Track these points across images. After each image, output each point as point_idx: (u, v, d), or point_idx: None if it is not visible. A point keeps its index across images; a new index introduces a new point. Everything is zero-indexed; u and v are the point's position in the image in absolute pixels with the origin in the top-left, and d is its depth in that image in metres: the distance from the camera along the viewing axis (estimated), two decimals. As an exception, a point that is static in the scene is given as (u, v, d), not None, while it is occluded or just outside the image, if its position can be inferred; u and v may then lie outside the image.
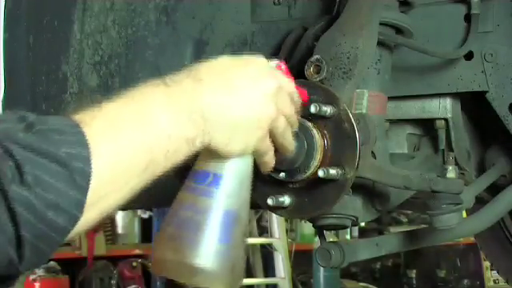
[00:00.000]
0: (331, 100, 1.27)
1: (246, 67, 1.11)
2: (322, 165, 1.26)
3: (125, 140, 0.96)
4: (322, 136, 1.27)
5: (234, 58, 1.13)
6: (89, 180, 0.90)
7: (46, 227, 0.87)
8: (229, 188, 1.09)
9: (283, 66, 1.18)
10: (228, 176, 1.10)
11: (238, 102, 1.07)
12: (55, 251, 0.92)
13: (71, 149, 0.89)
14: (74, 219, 0.89)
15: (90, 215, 0.92)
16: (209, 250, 1.06)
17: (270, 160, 1.16)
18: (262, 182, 1.32)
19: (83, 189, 0.89)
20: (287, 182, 1.29)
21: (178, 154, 1.02)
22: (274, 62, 1.18)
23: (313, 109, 1.23)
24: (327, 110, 1.25)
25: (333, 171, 1.24)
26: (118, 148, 0.95)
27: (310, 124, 1.26)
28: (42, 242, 0.88)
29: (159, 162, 0.99)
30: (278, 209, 1.33)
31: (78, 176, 0.89)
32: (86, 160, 0.90)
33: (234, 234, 1.09)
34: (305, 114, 1.26)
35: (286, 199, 1.30)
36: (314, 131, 1.26)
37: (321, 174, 1.23)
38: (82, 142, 0.90)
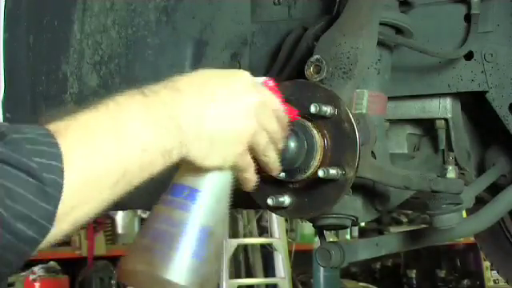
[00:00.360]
0: (331, 100, 1.27)
1: (227, 80, 1.10)
2: (321, 165, 1.26)
3: (98, 151, 0.94)
4: (322, 136, 1.27)
5: (215, 71, 1.12)
6: (60, 191, 0.89)
7: (14, 238, 0.86)
8: (205, 203, 1.08)
9: (270, 83, 1.17)
10: (205, 191, 1.09)
11: (216, 115, 1.06)
12: (26, 261, 0.91)
13: (43, 159, 0.88)
14: (45, 230, 0.88)
15: (62, 226, 0.91)
16: (181, 265, 1.05)
17: (250, 177, 1.15)
18: (262, 182, 1.32)
19: (55, 200, 0.88)
20: (287, 181, 1.29)
21: (153, 166, 1.00)
22: (261, 78, 1.17)
23: (313, 109, 1.23)
24: (327, 110, 1.25)
25: (333, 171, 1.24)
26: (92, 159, 0.93)
27: (309, 124, 1.26)
28: (10, 253, 0.87)
29: (133, 173, 0.98)
30: (278, 209, 1.33)
31: (50, 187, 0.88)
32: (59, 171, 0.89)
33: (208, 249, 1.08)
34: (305, 114, 1.26)
35: (286, 199, 1.30)
36: (314, 131, 1.26)
37: (321, 174, 1.23)
38: (55, 153, 0.89)
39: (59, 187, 0.88)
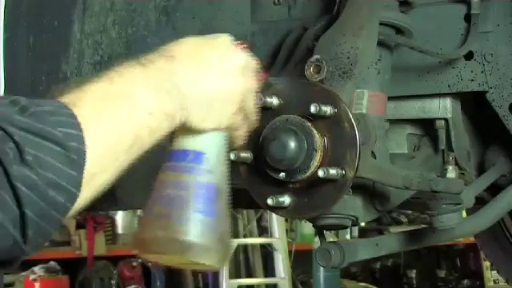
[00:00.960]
0: (331, 100, 1.27)
1: (213, 44, 1.15)
2: (321, 165, 1.26)
3: (111, 119, 0.98)
4: (322, 136, 1.27)
5: (201, 38, 1.17)
6: (84, 159, 0.92)
7: (48, 206, 0.88)
8: (209, 163, 1.13)
9: (244, 45, 1.21)
10: (208, 152, 1.13)
11: (210, 78, 1.11)
12: (57, 230, 0.93)
13: (65, 128, 0.91)
14: (74, 197, 0.91)
15: (86, 194, 0.94)
16: (198, 224, 1.09)
17: (241, 135, 1.20)
18: (262, 182, 1.33)
19: (80, 167, 0.91)
20: (287, 181, 1.29)
21: (159, 130, 1.04)
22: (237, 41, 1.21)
23: (313, 109, 1.23)
24: (327, 110, 1.24)
25: (333, 171, 1.24)
26: (107, 127, 0.97)
27: (309, 124, 1.26)
28: (45, 221, 0.89)
29: (144, 138, 1.02)
30: (277, 209, 1.33)
31: (75, 155, 0.91)
32: (81, 139, 0.92)
33: (218, 207, 1.13)
34: (305, 114, 1.26)
35: (286, 199, 1.30)
36: (314, 131, 1.26)
37: (321, 174, 1.23)
38: (74, 123, 0.92)
39: (83, 154, 0.92)
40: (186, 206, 1.10)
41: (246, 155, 1.32)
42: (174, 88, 1.06)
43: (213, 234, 1.10)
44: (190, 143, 1.13)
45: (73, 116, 0.93)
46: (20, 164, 0.86)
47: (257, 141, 1.31)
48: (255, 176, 1.34)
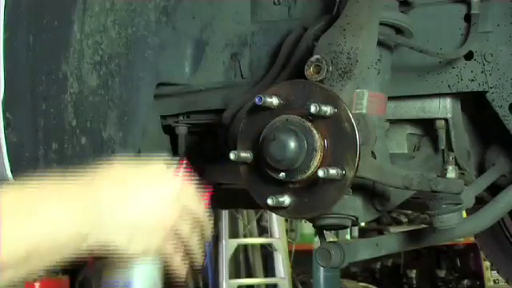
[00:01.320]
0: (331, 100, 1.27)
1: (145, 171, 1.14)
2: (321, 165, 1.26)
3: (8, 231, 0.97)
4: (322, 136, 1.26)
5: (134, 162, 1.16)
6: None
7: None
8: None
9: (181, 171, 1.19)
10: (136, 281, 1.13)
11: (136, 203, 1.10)
12: None
13: None
14: None
15: None
16: None
17: (177, 261, 1.18)
18: (262, 182, 1.33)
19: None
20: (287, 181, 1.29)
21: (66, 247, 1.03)
22: (173, 167, 1.20)
23: (313, 109, 1.23)
24: (327, 110, 1.24)
25: (333, 171, 1.24)
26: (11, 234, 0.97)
27: (309, 124, 1.26)
28: None
29: (43, 253, 1.00)
30: (278, 209, 1.32)
31: None
32: None
33: None
34: (305, 114, 1.26)
35: (286, 199, 1.30)
36: (314, 131, 1.26)
37: (321, 174, 1.23)
38: None
39: None
40: None
41: (245, 155, 1.32)
42: (92, 210, 1.05)
43: None
44: (119, 272, 1.13)
45: None
46: None
47: (257, 141, 1.31)
48: (255, 176, 1.34)
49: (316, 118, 1.26)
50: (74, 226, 1.03)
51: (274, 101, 1.30)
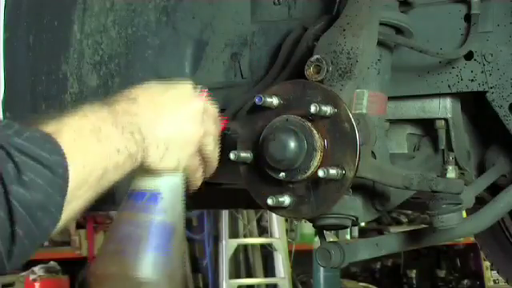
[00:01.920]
0: (331, 100, 1.27)
1: (173, 91, 1.22)
2: (321, 165, 1.26)
3: (88, 151, 1.03)
4: (322, 136, 1.27)
5: (163, 84, 1.24)
6: (67, 186, 0.96)
7: (35, 226, 0.92)
8: (165, 203, 1.18)
9: (205, 93, 1.28)
10: (164, 192, 1.18)
11: (169, 122, 1.18)
12: (33, 254, 0.96)
13: (54, 155, 0.96)
14: (56, 221, 0.96)
15: (62, 219, 0.98)
16: (150, 261, 1.14)
17: (199, 178, 1.27)
18: (262, 182, 1.33)
19: (64, 193, 0.96)
20: (287, 181, 1.29)
21: (124, 167, 1.10)
22: (199, 87, 1.27)
23: (313, 109, 1.23)
24: (327, 110, 1.24)
25: (333, 171, 1.24)
26: (84, 158, 1.02)
27: (309, 124, 1.26)
28: (29, 241, 0.93)
29: (111, 172, 1.07)
30: (277, 209, 1.32)
31: (61, 181, 0.95)
32: (66, 167, 0.97)
33: (172, 245, 1.17)
34: (305, 114, 1.26)
35: (286, 199, 1.30)
36: (314, 131, 1.26)
37: (321, 173, 1.23)
38: (60, 152, 0.97)
39: (66, 182, 0.96)
40: (140, 244, 1.14)
41: (246, 155, 1.32)
42: (136, 130, 1.12)
43: (165, 273, 1.15)
44: (147, 184, 1.18)
45: (58, 145, 0.97)
46: (18, 184, 0.90)
47: (257, 141, 1.31)
48: (255, 176, 1.34)
49: (316, 118, 1.26)
50: (127, 147, 1.09)
51: (274, 101, 1.30)
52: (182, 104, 1.21)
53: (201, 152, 1.25)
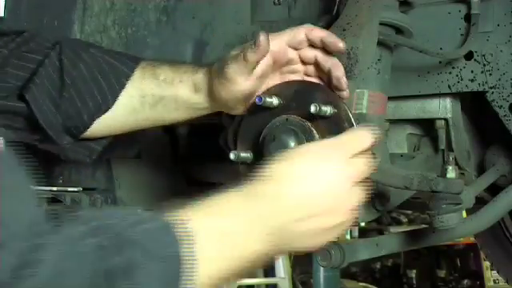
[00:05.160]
0: (331, 100, 1.27)
1: (323, 175, 1.10)
2: (322, 165, 1.26)
3: (226, 258, 0.99)
4: (322, 136, 1.26)
5: (316, 154, 1.11)
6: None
7: None
8: None
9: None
10: None
11: (309, 235, 1.09)
12: None
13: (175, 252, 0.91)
14: None
15: None
16: None
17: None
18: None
19: None
20: (287, 182, 1.29)
21: (254, 266, 1.05)
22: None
23: (313, 109, 1.23)
24: (327, 110, 1.24)
25: (333, 171, 1.23)
26: (218, 264, 0.98)
27: (309, 124, 1.26)
28: None
29: (238, 275, 1.02)
30: (278, 209, 1.32)
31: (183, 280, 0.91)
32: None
33: None
34: (305, 114, 1.26)
35: (286, 199, 1.29)
36: (314, 131, 1.26)
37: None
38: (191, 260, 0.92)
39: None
40: None
41: (246, 155, 1.32)
42: (275, 233, 1.04)
43: None
44: None
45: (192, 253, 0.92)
46: (123, 280, 0.85)
47: (257, 141, 1.31)
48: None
49: (316, 118, 1.26)
50: (263, 249, 1.04)
51: (274, 101, 1.29)
52: (334, 203, 1.09)
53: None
